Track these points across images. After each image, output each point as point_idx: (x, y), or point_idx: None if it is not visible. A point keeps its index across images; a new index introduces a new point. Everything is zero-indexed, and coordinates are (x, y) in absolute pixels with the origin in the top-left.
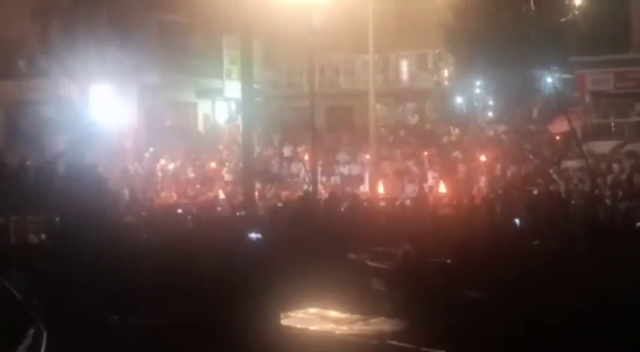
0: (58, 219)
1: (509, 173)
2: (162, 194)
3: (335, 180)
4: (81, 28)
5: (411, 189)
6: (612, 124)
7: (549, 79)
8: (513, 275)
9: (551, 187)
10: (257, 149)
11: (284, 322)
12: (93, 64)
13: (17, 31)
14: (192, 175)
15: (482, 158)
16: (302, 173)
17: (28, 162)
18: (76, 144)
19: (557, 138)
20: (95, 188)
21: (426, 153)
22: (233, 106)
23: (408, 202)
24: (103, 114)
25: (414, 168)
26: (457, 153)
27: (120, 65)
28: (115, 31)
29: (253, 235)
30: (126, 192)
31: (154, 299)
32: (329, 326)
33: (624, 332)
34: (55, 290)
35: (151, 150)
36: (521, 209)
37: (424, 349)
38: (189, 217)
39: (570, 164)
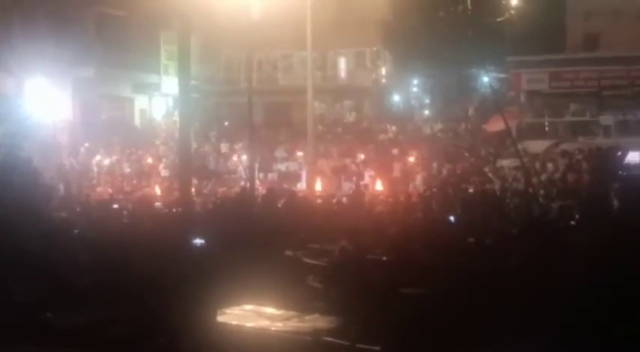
0: None
1: (445, 171)
2: (98, 189)
3: (272, 176)
4: (16, 21)
5: (347, 187)
6: (546, 124)
7: (485, 78)
8: (448, 272)
9: (487, 185)
10: (194, 145)
11: (220, 318)
12: (28, 57)
13: None
14: (128, 170)
15: (419, 156)
16: (239, 169)
17: None
18: (10, 138)
19: (493, 136)
20: (30, 182)
21: (362, 151)
22: (170, 102)
23: (344, 200)
24: (39, 107)
25: (351, 166)
26: (394, 151)
27: (56, 58)
28: (51, 23)
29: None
30: (61, 186)
31: (90, 295)
32: (264, 323)
33: (555, 326)
34: None
35: (87, 144)
36: (457, 207)
37: (359, 346)
38: (125, 213)
39: (505, 163)
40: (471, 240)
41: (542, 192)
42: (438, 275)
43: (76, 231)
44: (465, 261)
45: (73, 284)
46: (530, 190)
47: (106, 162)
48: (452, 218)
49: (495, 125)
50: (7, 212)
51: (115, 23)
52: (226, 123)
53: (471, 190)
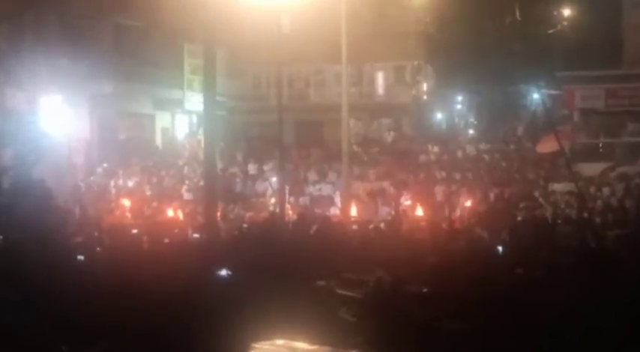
0: (1, 238)
1: (491, 196)
2: (116, 212)
3: (304, 200)
4: (29, 33)
5: (385, 212)
6: (601, 144)
7: (535, 95)
8: (495, 305)
9: (537, 212)
10: (220, 166)
11: None
12: (42, 72)
13: None
14: (148, 193)
15: (463, 179)
16: (268, 192)
17: None
18: (22, 158)
19: (543, 158)
20: (43, 205)
21: (401, 174)
22: (194, 119)
23: (382, 225)
24: (53, 126)
25: (389, 189)
26: (436, 174)
27: (71, 73)
28: (66, 36)
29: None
30: (76, 210)
31: (108, 327)
32: None
33: None
34: None
35: (105, 165)
36: (505, 235)
37: None
38: (145, 238)
39: (557, 187)
40: (519, 271)
41: (597, 219)
42: (482, 309)
43: (94, 258)
44: (512, 294)
45: (91, 316)
46: (585, 217)
47: (126, 183)
48: (499, 247)
49: (546, 146)
50: (18, 237)
51: (134, 35)
52: (254, 143)
53: (519, 217)
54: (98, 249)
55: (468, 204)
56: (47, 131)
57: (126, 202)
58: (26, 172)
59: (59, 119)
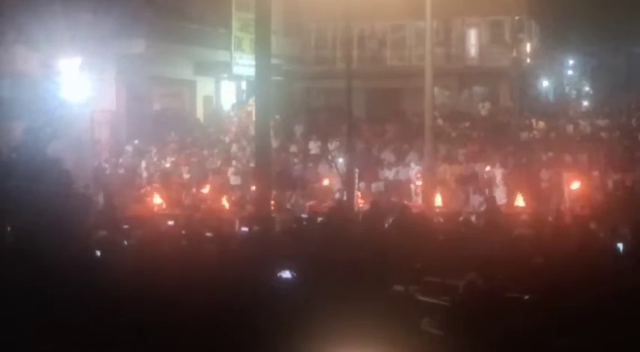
0: (9, 231)
1: (610, 183)
2: (148, 200)
3: (377, 187)
4: None
5: (477, 202)
6: None
7: None
8: (614, 317)
9: None
10: (275, 144)
11: None
12: (59, 29)
13: None
14: (187, 176)
15: (576, 162)
16: (334, 177)
17: None
18: (35, 134)
19: None
20: (60, 191)
21: (498, 155)
22: (243, 86)
23: (474, 218)
24: (72, 94)
25: (483, 174)
26: (541, 155)
27: (94, 30)
28: None
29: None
30: (100, 196)
31: (139, 343)
32: None
33: None
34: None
35: (135, 142)
36: (626, 231)
37: None
38: (184, 232)
39: None
40: None
41: None
42: (598, 322)
43: (122, 256)
44: (635, 304)
45: (120, 330)
46: None
47: (160, 165)
48: (619, 245)
49: None
50: (31, 230)
51: None
52: (317, 116)
53: None
54: (126, 244)
55: (581, 192)
56: (65, 100)
57: (160, 188)
58: (40, 150)
59: (80, 86)
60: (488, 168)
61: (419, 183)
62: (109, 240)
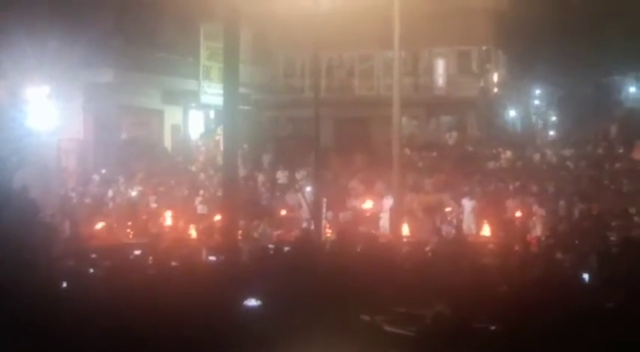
0: None
1: (576, 212)
2: (114, 229)
3: (345, 216)
4: (12, 12)
5: (445, 231)
6: None
7: (633, 88)
8: (580, 347)
9: (632, 232)
10: (242, 173)
11: None
12: (27, 59)
13: None
14: (154, 205)
15: (542, 191)
16: (301, 206)
17: None
18: (2, 162)
19: None
20: (25, 219)
21: (465, 184)
22: (212, 115)
23: (441, 248)
24: (40, 122)
25: (450, 203)
26: (508, 184)
27: (63, 58)
28: (56, 15)
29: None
30: (66, 225)
31: None
32: None
33: None
34: None
35: (102, 171)
36: (592, 260)
37: None
38: (151, 261)
39: None
40: (610, 305)
41: None
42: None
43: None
44: (601, 333)
45: None
46: None
47: (127, 194)
48: (585, 275)
49: None
50: None
51: (139, 13)
52: (285, 145)
53: (611, 238)
54: (92, 273)
55: (547, 222)
56: (32, 128)
57: (126, 217)
58: (6, 178)
59: (47, 114)
60: (449, 209)
61: (385, 213)
62: (75, 269)
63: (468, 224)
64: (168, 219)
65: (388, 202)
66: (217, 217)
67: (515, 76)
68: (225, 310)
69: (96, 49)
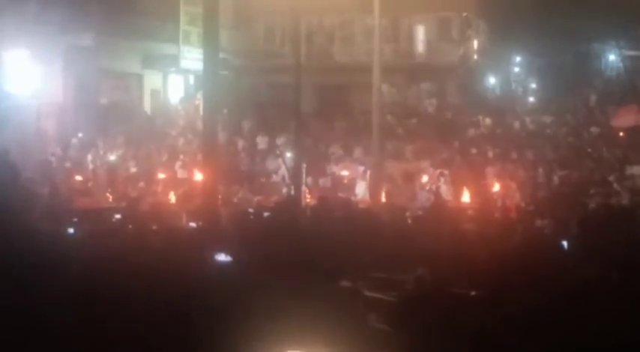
0: None
1: (555, 179)
2: (94, 193)
3: (325, 182)
4: None
5: (424, 198)
6: None
7: (613, 57)
8: (561, 313)
9: (612, 199)
10: (222, 138)
11: None
12: (5, 22)
13: None
14: (134, 170)
15: (521, 158)
16: (281, 171)
17: None
18: None
19: (621, 134)
20: (4, 183)
21: (445, 151)
22: (191, 80)
23: (420, 214)
24: (18, 86)
25: (430, 170)
26: (487, 151)
27: (42, 23)
28: None
29: (221, 257)
30: (45, 189)
31: (83, 340)
32: None
33: None
34: None
35: (80, 135)
36: (572, 227)
37: None
38: (130, 226)
39: (637, 170)
40: (590, 272)
41: None
42: (545, 318)
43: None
44: (581, 299)
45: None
46: None
47: (106, 158)
48: (564, 242)
49: (624, 119)
50: None
51: None
52: (265, 111)
53: (590, 205)
54: (71, 237)
55: (526, 189)
56: (11, 92)
57: (106, 181)
58: None
59: (26, 78)
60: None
61: (363, 180)
62: (54, 232)
63: (446, 190)
64: (147, 182)
65: (367, 169)
66: (197, 181)
67: (495, 44)
68: (195, 265)
69: (75, 13)
